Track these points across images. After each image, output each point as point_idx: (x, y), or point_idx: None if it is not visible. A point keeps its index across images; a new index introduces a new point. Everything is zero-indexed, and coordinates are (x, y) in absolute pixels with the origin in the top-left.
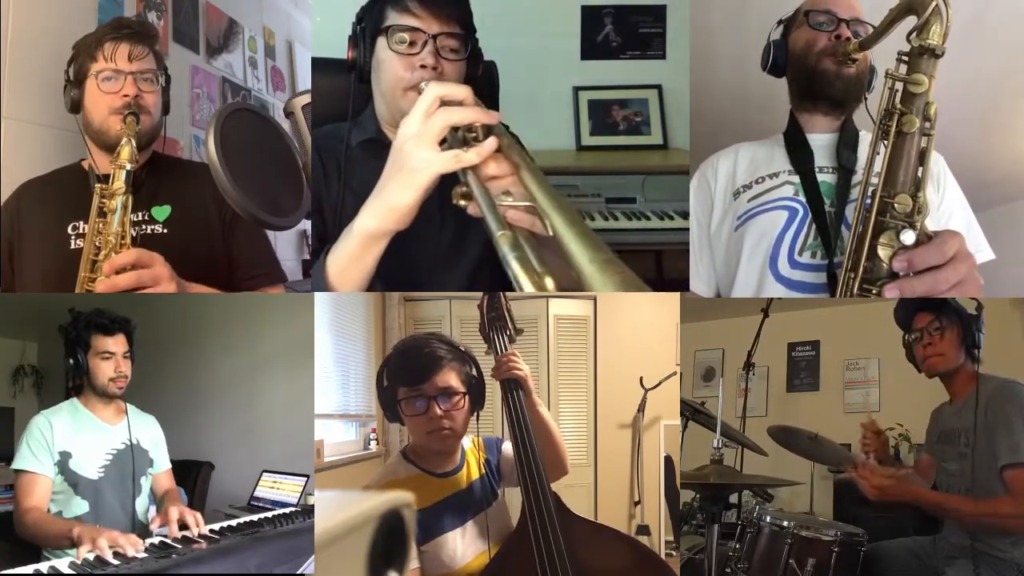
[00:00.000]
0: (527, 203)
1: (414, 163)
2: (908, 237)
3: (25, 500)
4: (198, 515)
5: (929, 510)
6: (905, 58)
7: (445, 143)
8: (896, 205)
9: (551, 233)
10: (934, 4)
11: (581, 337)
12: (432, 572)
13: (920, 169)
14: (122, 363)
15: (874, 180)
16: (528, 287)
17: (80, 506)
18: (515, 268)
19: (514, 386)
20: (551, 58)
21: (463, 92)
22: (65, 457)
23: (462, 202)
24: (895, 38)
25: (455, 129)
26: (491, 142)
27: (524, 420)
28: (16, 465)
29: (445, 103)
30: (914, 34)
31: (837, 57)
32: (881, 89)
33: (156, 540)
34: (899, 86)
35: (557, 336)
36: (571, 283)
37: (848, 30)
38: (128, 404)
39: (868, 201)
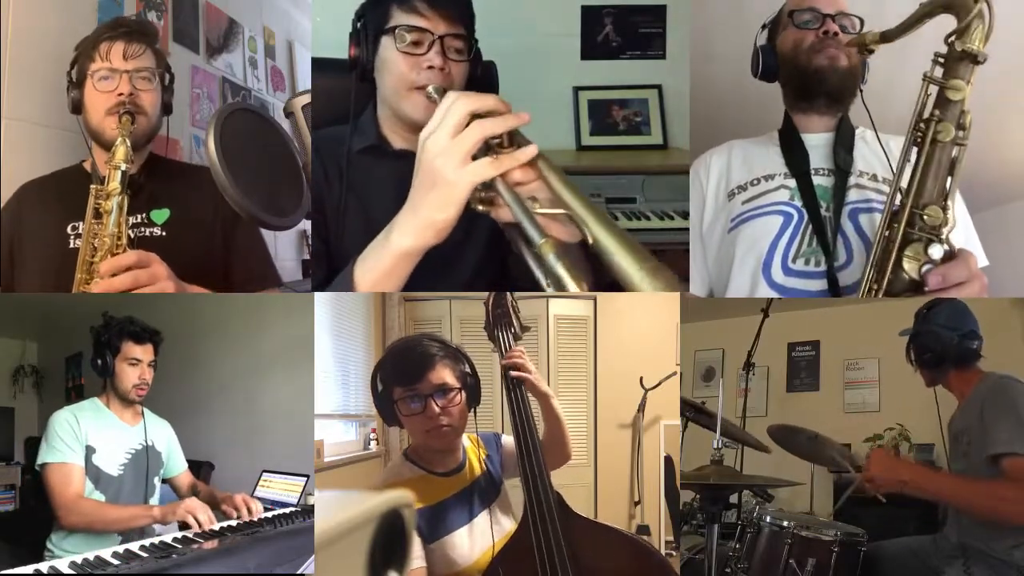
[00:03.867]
0: (561, 211)
1: (450, 178)
2: (936, 252)
3: (68, 489)
4: (257, 503)
5: (927, 490)
6: (941, 60)
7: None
8: (925, 216)
9: (591, 241)
10: (978, 7)
11: (581, 337)
12: (441, 569)
13: (949, 180)
14: (146, 371)
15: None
16: (574, 289)
17: (99, 500)
18: (562, 274)
19: (518, 383)
20: (551, 58)
21: (492, 102)
22: (89, 451)
23: (480, 207)
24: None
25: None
26: (531, 149)
27: (527, 416)
28: (48, 458)
29: (476, 116)
30: (954, 37)
31: (828, 53)
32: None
33: (156, 540)
34: (933, 90)
35: (557, 336)
36: (596, 286)
37: (834, 24)
38: (144, 408)
39: (896, 209)
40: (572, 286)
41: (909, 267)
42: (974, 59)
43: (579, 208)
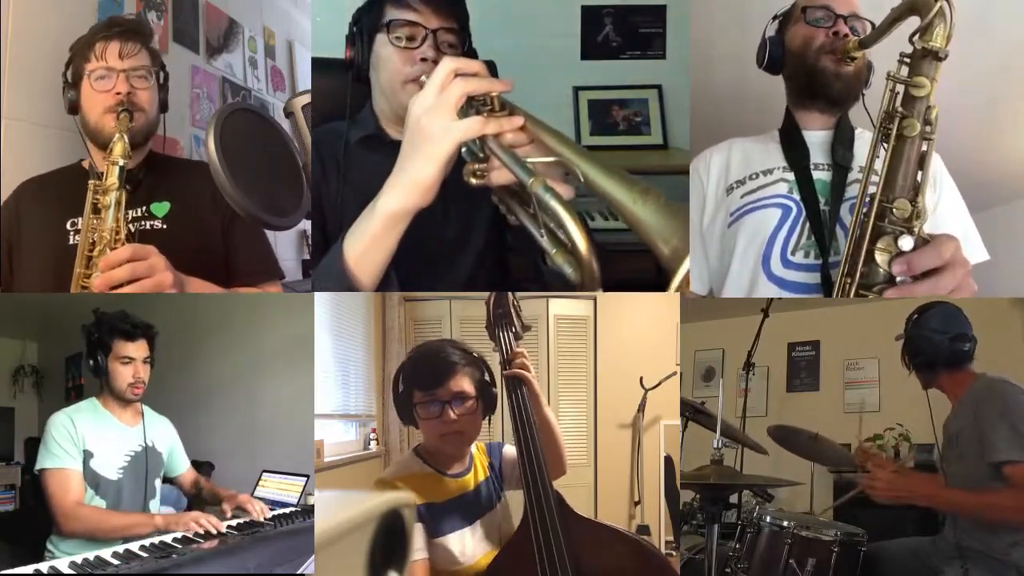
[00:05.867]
0: (552, 159)
1: (434, 134)
2: (906, 243)
3: (67, 496)
4: (262, 504)
5: (932, 504)
6: (907, 60)
7: (459, 115)
8: (895, 210)
9: (582, 179)
10: (938, 6)
11: (581, 337)
12: (443, 566)
13: (919, 174)
14: (141, 369)
15: (873, 180)
16: (570, 223)
17: (99, 506)
18: (554, 206)
19: (518, 384)
20: (551, 58)
21: (476, 65)
22: (87, 456)
23: (473, 180)
24: (894, 36)
25: (469, 101)
26: (518, 119)
27: (528, 419)
28: (46, 464)
29: (460, 74)
30: (917, 36)
31: (836, 55)
32: (882, 90)
33: (156, 540)
34: (900, 88)
35: (557, 336)
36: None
37: (846, 26)
38: (144, 406)
39: (867, 203)
40: (567, 219)
41: (881, 259)
42: (936, 56)
43: (571, 154)
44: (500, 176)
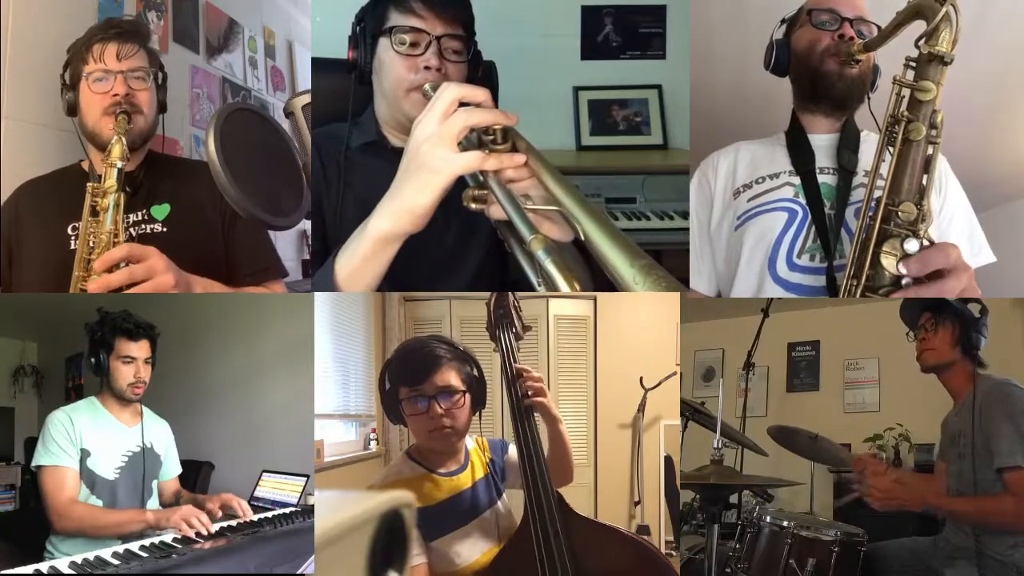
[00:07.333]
0: (553, 208)
1: (433, 164)
2: (912, 246)
3: (62, 493)
4: (244, 503)
5: (934, 513)
6: (913, 64)
7: (461, 145)
8: (900, 213)
9: (583, 238)
10: (944, 10)
11: (581, 337)
12: (440, 569)
13: (925, 177)
14: (142, 369)
15: (879, 184)
16: (564, 287)
17: (95, 504)
18: (551, 270)
19: (521, 383)
20: (551, 58)
21: (481, 94)
22: (84, 455)
23: (472, 205)
24: (899, 39)
25: (472, 130)
26: (519, 157)
27: (529, 416)
28: (42, 461)
29: (464, 104)
30: (923, 40)
31: (840, 57)
32: (888, 93)
33: (156, 540)
34: (906, 92)
35: (557, 336)
36: (587, 285)
37: (851, 29)
38: (144, 407)
39: (872, 207)
40: (562, 284)
41: (887, 263)
42: (942, 61)
43: (572, 205)
44: (498, 211)
